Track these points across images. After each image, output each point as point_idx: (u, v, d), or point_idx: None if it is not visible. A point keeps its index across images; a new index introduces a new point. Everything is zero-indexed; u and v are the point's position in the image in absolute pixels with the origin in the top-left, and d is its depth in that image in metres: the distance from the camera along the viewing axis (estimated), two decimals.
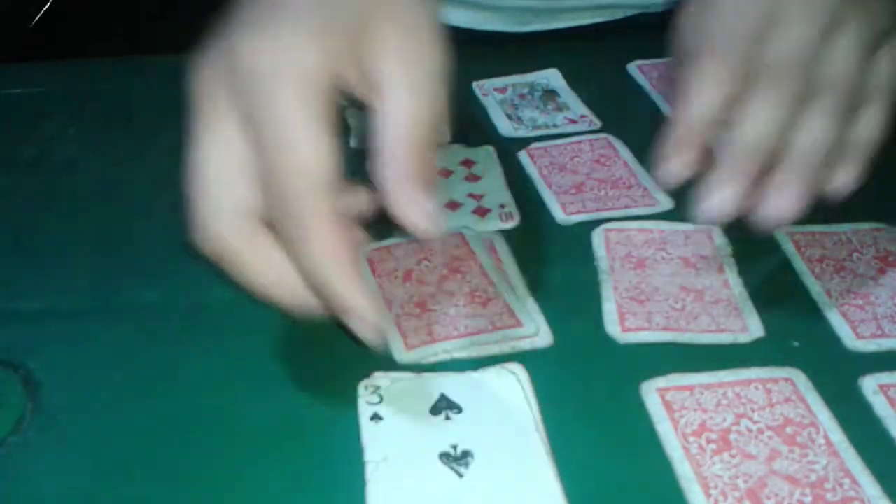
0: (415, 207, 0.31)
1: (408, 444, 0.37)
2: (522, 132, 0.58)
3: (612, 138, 0.57)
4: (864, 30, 0.35)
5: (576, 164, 0.55)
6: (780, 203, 0.35)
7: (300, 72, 0.30)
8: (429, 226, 0.31)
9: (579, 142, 0.57)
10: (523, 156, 0.56)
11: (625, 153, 0.55)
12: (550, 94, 0.63)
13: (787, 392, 0.39)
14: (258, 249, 0.33)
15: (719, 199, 0.35)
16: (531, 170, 0.55)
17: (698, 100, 0.35)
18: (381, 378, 0.40)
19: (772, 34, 0.34)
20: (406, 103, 0.31)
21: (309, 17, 0.31)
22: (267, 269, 0.33)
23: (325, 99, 0.30)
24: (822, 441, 0.37)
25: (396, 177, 0.31)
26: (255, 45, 0.30)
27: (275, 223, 0.32)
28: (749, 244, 0.48)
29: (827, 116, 0.35)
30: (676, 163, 0.36)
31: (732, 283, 0.45)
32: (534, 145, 0.57)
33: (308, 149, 0.30)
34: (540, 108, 0.61)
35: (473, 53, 0.69)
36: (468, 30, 0.76)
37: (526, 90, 0.63)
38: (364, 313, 0.32)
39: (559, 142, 0.57)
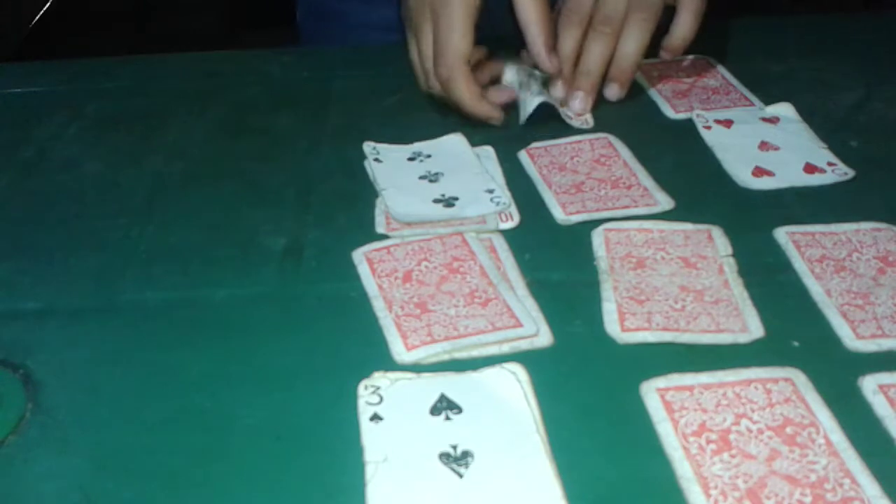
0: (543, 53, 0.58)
1: (408, 445, 0.37)
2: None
3: (612, 138, 0.57)
4: None
5: (576, 164, 0.55)
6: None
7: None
8: (551, 63, 0.58)
9: (579, 141, 0.57)
10: (523, 156, 0.56)
11: (625, 153, 0.55)
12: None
13: (787, 392, 0.39)
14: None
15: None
16: (531, 170, 0.55)
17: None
18: (381, 378, 0.40)
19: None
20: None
21: None
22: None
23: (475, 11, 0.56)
24: (822, 441, 0.37)
25: (535, 41, 0.57)
26: None
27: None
28: (749, 244, 0.48)
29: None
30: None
31: (732, 283, 0.45)
32: (534, 145, 0.57)
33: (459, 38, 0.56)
34: None
35: None
36: None
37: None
38: (489, 116, 0.58)
39: (559, 141, 0.57)
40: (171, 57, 0.72)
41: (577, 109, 0.59)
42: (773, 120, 0.59)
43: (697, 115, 0.59)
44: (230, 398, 0.40)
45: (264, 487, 0.36)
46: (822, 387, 0.39)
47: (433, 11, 0.56)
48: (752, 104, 0.61)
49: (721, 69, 0.65)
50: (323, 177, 0.56)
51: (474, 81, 0.57)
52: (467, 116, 0.58)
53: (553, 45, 0.58)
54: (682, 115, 0.60)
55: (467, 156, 0.56)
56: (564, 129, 0.58)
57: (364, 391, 0.40)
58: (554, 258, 0.48)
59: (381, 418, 0.38)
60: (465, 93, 0.57)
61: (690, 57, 0.66)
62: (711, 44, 0.66)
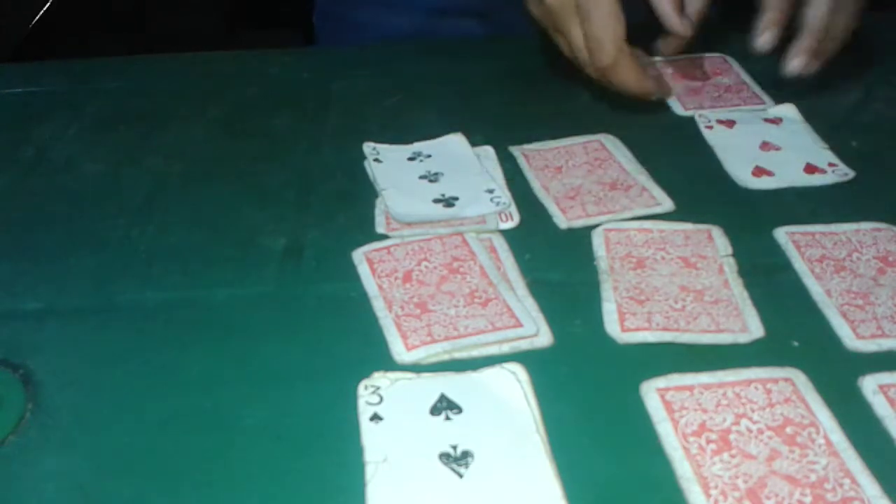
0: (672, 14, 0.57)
1: (408, 445, 0.37)
2: None
3: (604, 139, 0.57)
4: None
5: (570, 168, 0.55)
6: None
7: None
8: (678, 23, 0.57)
9: (571, 145, 0.57)
10: (520, 158, 0.56)
11: (619, 154, 0.55)
12: None
13: (787, 392, 0.39)
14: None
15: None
16: (528, 174, 0.54)
17: None
18: (381, 378, 0.40)
19: None
20: None
21: None
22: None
23: None
24: (822, 441, 0.37)
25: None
26: None
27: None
28: (749, 244, 0.48)
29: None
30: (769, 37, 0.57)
31: (732, 283, 0.45)
32: (526, 146, 0.57)
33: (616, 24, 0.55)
34: None
35: (467, 55, 0.69)
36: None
37: None
38: (656, 91, 0.59)
39: (553, 144, 0.57)
40: (171, 57, 0.72)
41: (796, 68, 0.56)
42: (775, 121, 0.59)
43: (699, 115, 0.59)
44: (230, 398, 0.40)
45: (264, 487, 0.36)
46: (822, 387, 0.39)
47: (580, 7, 0.55)
48: (763, 103, 0.60)
49: (736, 67, 0.64)
50: (323, 177, 0.56)
51: (636, 61, 0.56)
52: (631, 96, 0.58)
53: (681, 5, 0.57)
54: (689, 112, 0.60)
55: (467, 156, 0.56)
56: (562, 131, 0.58)
57: (364, 391, 0.40)
58: (554, 258, 0.48)
59: (381, 418, 0.38)
60: (631, 75, 0.56)
61: (706, 55, 0.66)
62: (729, 42, 0.66)
